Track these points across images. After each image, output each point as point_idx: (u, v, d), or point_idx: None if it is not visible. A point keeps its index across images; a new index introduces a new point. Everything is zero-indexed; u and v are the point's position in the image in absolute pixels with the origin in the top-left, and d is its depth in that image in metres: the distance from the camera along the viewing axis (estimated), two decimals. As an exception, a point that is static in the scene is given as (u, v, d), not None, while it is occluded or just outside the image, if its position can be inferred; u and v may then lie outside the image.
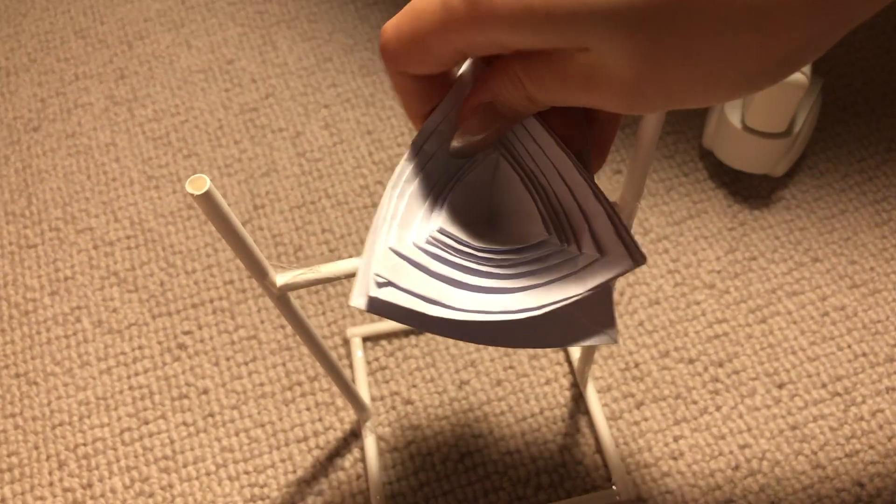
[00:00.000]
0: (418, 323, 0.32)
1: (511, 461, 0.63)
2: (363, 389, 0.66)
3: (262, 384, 0.67)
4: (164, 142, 0.80)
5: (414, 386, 0.66)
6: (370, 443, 0.63)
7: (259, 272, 0.38)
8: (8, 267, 0.73)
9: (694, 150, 0.77)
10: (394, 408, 0.65)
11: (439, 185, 0.33)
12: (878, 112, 0.78)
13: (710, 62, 0.23)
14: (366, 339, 0.68)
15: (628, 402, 0.65)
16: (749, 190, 0.74)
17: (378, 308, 0.31)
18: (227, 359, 0.68)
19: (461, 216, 0.34)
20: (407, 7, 0.27)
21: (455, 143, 0.32)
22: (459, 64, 0.31)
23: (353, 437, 0.64)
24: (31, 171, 0.79)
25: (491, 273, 0.32)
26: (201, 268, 0.72)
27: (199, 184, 0.32)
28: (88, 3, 0.90)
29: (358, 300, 0.31)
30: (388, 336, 0.68)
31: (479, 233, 0.34)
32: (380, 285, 0.31)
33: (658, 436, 0.64)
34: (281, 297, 0.41)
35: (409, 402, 0.65)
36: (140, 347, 0.69)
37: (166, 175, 0.78)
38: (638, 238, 0.72)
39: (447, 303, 0.31)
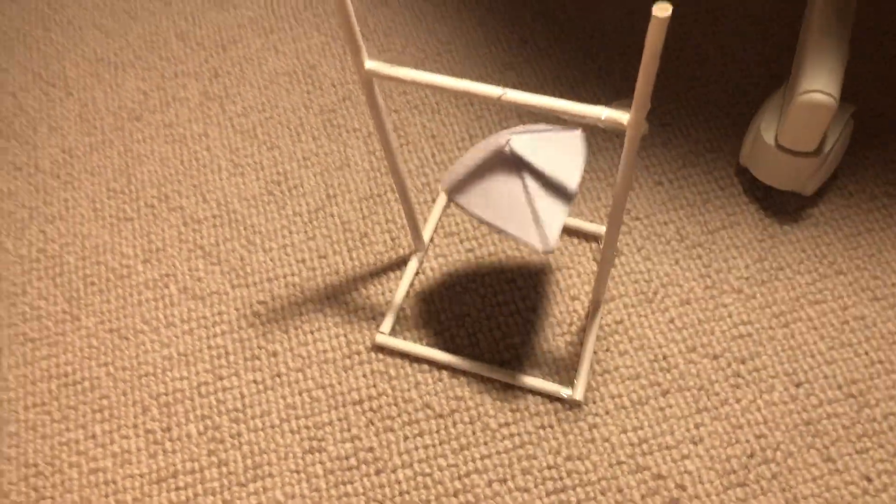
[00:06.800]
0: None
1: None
2: (429, 227, 0.81)
3: (325, 351, 0.74)
4: (251, 135, 0.89)
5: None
6: (411, 265, 0.78)
7: (355, 50, 0.55)
8: (108, 236, 0.83)
9: (731, 166, 0.83)
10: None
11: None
12: (910, 142, 0.83)
13: None
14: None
15: (655, 390, 0.71)
16: (780, 206, 0.80)
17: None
18: (296, 327, 0.76)
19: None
20: None
21: None
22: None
23: (405, 402, 0.72)
24: (131, 154, 0.88)
25: None
26: (277, 247, 0.81)
27: None
28: (189, 10, 1.00)
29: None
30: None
31: None
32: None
33: (680, 421, 0.69)
34: (367, 82, 0.58)
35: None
36: (219, 313, 0.77)
37: (251, 164, 0.87)
38: (674, 244, 0.79)
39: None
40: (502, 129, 0.64)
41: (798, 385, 0.71)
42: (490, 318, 0.75)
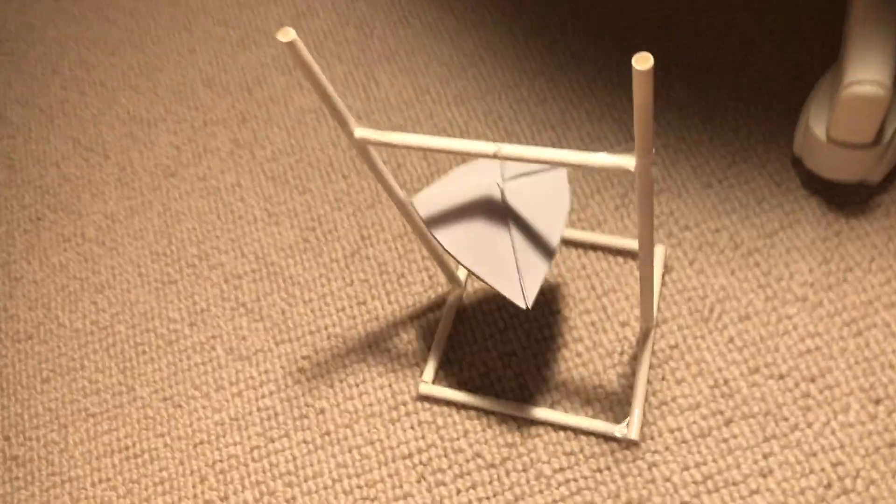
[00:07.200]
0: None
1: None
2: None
3: (370, 404, 0.73)
4: (282, 180, 0.88)
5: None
6: (449, 305, 0.76)
7: (341, 122, 0.53)
8: (154, 301, 0.84)
9: (786, 157, 0.76)
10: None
11: None
12: None
13: None
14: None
15: (717, 420, 0.66)
16: (845, 197, 0.73)
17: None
18: (341, 381, 0.75)
19: None
20: None
21: None
22: None
23: (455, 453, 0.69)
24: (170, 213, 0.89)
25: None
26: (317, 297, 0.80)
27: (286, 34, 0.46)
28: (213, 54, 0.99)
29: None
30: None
31: None
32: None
33: (747, 453, 0.65)
34: (360, 150, 0.56)
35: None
36: (266, 372, 0.77)
37: (284, 211, 0.85)
38: (728, 253, 0.73)
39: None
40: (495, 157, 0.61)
41: (877, 402, 0.65)
42: (536, 356, 0.72)
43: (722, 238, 0.74)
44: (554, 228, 0.58)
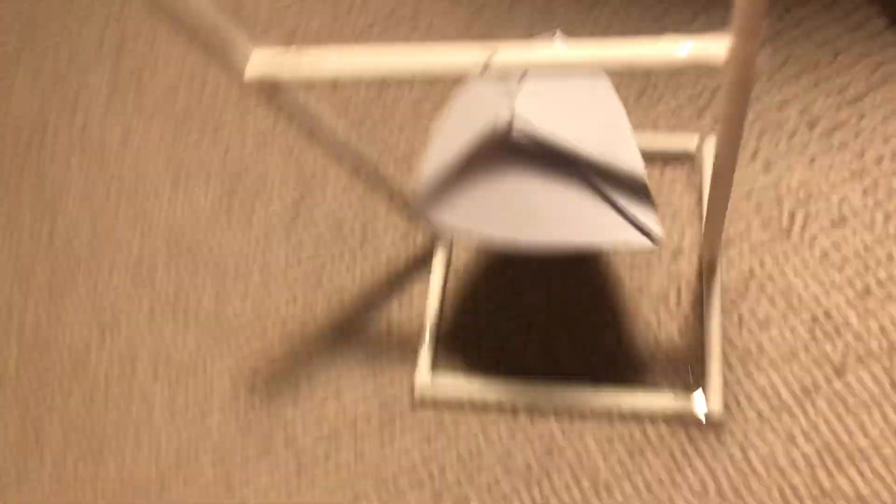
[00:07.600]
0: None
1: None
2: None
3: (354, 420, 0.55)
4: (184, 119, 0.66)
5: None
6: (438, 260, 0.56)
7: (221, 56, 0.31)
8: (44, 314, 0.63)
9: (864, -11, 0.55)
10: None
11: None
12: None
13: None
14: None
15: (824, 370, 0.49)
16: (954, 33, 0.53)
17: None
18: (310, 393, 0.57)
19: None
20: None
21: None
22: None
23: (479, 472, 0.52)
24: (47, 185, 0.67)
25: None
26: (257, 281, 0.60)
27: None
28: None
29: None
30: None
31: None
32: None
33: (872, 410, 0.48)
34: (264, 94, 0.34)
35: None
36: (205, 399, 0.58)
37: (195, 162, 0.65)
38: (802, 134, 0.54)
39: None
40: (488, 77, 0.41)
41: None
42: (566, 316, 0.53)
43: (791, 113, 0.54)
44: (618, 132, 0.42)
